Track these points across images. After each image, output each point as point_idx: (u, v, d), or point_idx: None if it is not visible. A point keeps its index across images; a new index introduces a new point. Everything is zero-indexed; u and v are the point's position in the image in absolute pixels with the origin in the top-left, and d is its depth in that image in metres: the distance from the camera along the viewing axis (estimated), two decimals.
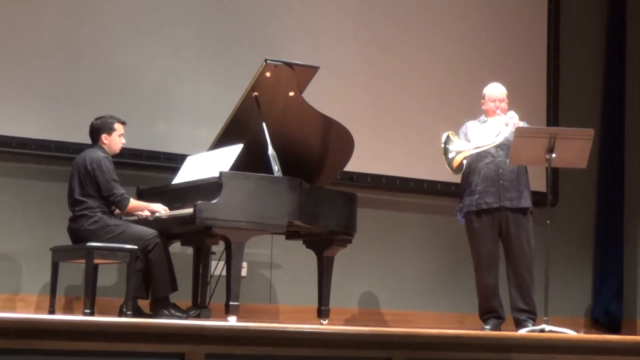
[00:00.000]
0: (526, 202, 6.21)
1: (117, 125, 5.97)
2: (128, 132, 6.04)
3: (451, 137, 6.08)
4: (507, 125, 6.10)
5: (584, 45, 8.43)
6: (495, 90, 6.30)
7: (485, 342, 4.58)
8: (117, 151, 6.01)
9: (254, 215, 5.60)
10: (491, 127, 6.19)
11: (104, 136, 5.94)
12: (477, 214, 6.22)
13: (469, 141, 6.20)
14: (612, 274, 8.20)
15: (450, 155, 6.05)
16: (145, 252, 5.71)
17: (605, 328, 8.06)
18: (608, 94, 8.45)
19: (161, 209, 5.80)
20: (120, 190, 5.78)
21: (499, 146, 6.14)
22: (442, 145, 6.06)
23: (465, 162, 6.12)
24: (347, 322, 7.06)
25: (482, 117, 6.35)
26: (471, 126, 6.33)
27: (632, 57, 8.41)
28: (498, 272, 6.26)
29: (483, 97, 6.33)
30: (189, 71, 6.93)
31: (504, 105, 6.25)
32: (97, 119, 5.98)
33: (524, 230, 6.20)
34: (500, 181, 6.17)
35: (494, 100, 6.26)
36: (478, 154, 6.18)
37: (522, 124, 6.18)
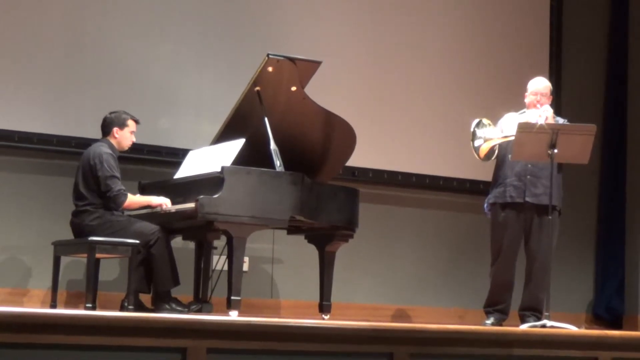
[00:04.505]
0: (552, 199, 5.93)
1: (130, 122, 5.98)
2: None
3: (484, 121, 6.04)
4: (540, 117, 5.95)
5: (586, 42, 8.40)
6: (537, 84, 6.25)
7: (487, 337, 4.58)
8: (126, 148, 6.01)
9: (255, 210, 5.60)
10: (525, 119, 6.06)
11: (115, 129, 5.94)
12: (502, 207, 6.18)
13: (501, 131, 6.14)
14: (614, 270, 8.20)
15: (477, 143, 6.02)
16: (147, 247, 5.71)
17: (607, 324, 8.06)
18: (610, 91, 8.44)
19: (165, 202, 5.80)
20: (117, 186, 5.75)
21: None
22: (472, 128, 6.01)
23: (496, 149, 6.06)
24: (349, 317, 7.05)
25: (523, 110, 6.26)
26: (508, 117, 6.26)
27: (635, 54, 8.39)
28: (515, 268, 6.20)
29: (526, 90, 6.27)
30: (191, 66, 6.93)
31: (545, 100, 6.18)
32: (111, 112, 6.00)
33: (546, 231, 5.94)
34: (528, 176, 6.13)
35: (536, 94, 6.19)
36: (511, 146, 6.08)
37: (562, 120, 6.17)
